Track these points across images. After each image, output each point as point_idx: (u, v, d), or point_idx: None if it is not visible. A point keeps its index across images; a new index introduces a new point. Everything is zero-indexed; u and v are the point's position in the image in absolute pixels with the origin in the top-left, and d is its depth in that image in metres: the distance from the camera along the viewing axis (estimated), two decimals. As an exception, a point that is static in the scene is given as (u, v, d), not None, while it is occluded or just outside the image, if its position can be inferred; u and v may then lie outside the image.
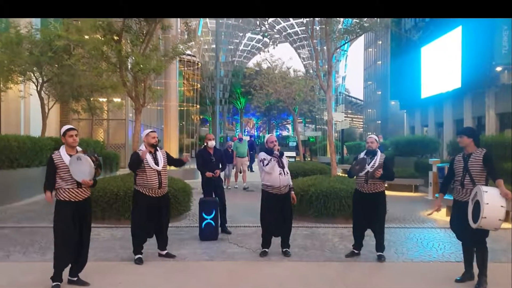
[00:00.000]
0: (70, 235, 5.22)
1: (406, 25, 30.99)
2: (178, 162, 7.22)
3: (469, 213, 5.25)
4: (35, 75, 15.22)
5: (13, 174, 12.14)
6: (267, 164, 6.67)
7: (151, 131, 6.65)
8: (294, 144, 49.52)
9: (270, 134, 7.46)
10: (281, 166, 6.75)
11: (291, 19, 57.07)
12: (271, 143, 6.84)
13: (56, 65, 14.92)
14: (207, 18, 46.09)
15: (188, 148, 31.75)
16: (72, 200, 5.25)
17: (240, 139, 17.46)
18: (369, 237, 7.02)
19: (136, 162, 6.34)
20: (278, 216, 6.79)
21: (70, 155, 5.26)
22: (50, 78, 15.39)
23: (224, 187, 14.77)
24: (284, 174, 6.74)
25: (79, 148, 5.42)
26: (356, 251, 6.88)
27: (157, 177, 6.39)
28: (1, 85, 15.58)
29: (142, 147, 6.52)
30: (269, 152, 6.80)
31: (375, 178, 6.52)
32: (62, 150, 5.32)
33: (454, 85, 26.74)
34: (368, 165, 6.61)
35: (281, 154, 6.86)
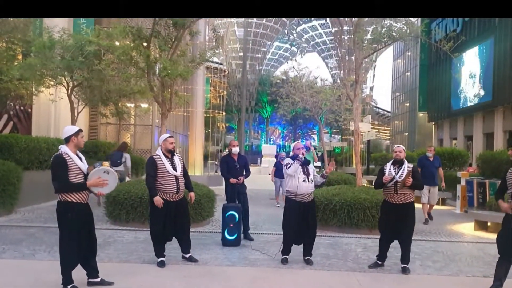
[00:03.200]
0: (82, 237, 5.16)
1: (436, 35, 30.63)
2: (188, 183, 6.73)
3: None
4: (66, 79, 15.53)
5: (42, 175, 12.37)
6: (290, 167, 6.68)
7: (169, 136, 6.60)
8: (320, 154, 49.21)
9: (297, 141, 7.45)
10: (306, 173, 6.73)
11: (319, 28, 57.13)
12: (298, 150, 6.86)
13: (87, 70, 15.21)
14: (226, 24, 46.40)
15: (213, 155, 31.91)
16: (83, 202, 5.14)
17: (308, 148, 14.01)
18: (393, 248, 6.90)
19: (152, 188, 6.35)
20: (301, 224, 6.74)
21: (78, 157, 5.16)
22: (80, 82, 15.68)
23: (278, 205, 14.21)
24: (308, 181, 6.72)
25: (79, 153, 5.26)
26: (379, 262, 6.76)
27: (175, 182, 6.37)
28: (33, 88, 15.97)
29: (159, 152, 6.50)
30: (294, 158, 6.80)
31: (405, 187, 6.40)
32: (68, 150, 5.06)
33: (485, 98, 26.22)
34: (396, 174, 6.51)
35: (307, 162, 6.83)
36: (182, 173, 6.51)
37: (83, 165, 5.14)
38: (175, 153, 6.57)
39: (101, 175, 5.15)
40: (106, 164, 5.30)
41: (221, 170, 8.82)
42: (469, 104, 29.06)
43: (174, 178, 6.37)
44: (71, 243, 5.10)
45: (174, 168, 6.40)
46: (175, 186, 6.37)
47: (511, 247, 5.35)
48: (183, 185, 6.53)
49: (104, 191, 5.27)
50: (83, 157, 5.26)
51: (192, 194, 6.80)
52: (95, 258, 5.43)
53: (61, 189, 5.03)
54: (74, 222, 5.08)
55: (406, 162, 6.64)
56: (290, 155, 7.17)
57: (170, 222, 6.41)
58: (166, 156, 6.43)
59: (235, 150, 8.66)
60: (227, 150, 8.79)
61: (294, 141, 70.11)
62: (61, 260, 5.13)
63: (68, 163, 4.99)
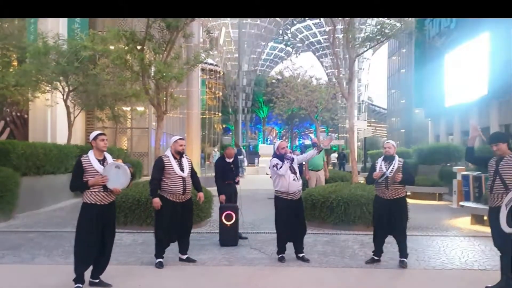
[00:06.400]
0: (92, 238, 5.30)
1: (430, 32, 30.68)
2: (196, 183, 6.90)
3: (501, 218, 5.10)
4: (62, 84, 15.60)
5: (39, 181, 12.41)
6: (281, 167, 6.78)
7: (180, 138, 6.73)
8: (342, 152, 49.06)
9: (280, 141, 7.54)
10: (293, 171, 6.86)
11: (313, 27, 57.23)
12: (282, 149, 6.97)
13: (82, 75, 15.29)
14: (221, 24, 46.36)
15: (210, 157, 32.01)
16: (98, 203, 5.32)
17: (315, 146, 13.64)
18: (390, 244, 6.96)
19: (154, 190, 6.47)
20: (294, 221, 6.86)
21: (98, 160, 5.37)
22: (75, 87, 15.76)
23: None
24: (297, 179, 6.87)
25: (107, 155, 5.50)
26: (376, 258, 6.83)
27: (181, 183, 6.47)
28: (29, 94, 16.02)
29: (168, 153, 6.61)
30: (280, 157, 6.90)
31: (395, 183, 6.48)
32: (91, 154, 5.39)
33: (481, 93, 26.27)
34: (387, 170, 6.60)
35: (292, 160, 6.93)
36: (189, 174, 6.61)
37: (101, 168, 5.33)
38: (184, 154, 6.69)
39: (112, 170, 5.33)
40: (120, 161, 5.49)
41: (216, 175, 8.85)
42: (464, 99, 29.12)
43: (181, 179, 6.47)
44: (80, 243, 5.35)
45: (182, 169, 6.51)
46: (182, 187, 6.46)
47: (497, 236, 5.40)
48: (190, 187, 6.63)
49: (118, 186, 5.37)
50: (109, 159, 5.49)
51: (201, 194, 6.95)
52: (105, 260, 5.56)
53: (70, 188, 5.45)
54: (84, 222, 5.34)
55: (397, 158, 6.73)
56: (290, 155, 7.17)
57: (175, 223, 6.50)
58: (174, 157, 6.54)
59: (229, 161, 8.76)
60: (217, 150, 8.92)
61: (290, 141, 70.17)
62: (74, 257, 5.38)
63: (84, 165, 5.30)
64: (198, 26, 18.31)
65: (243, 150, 13.66)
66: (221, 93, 36.32)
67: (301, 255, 6.92)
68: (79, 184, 5.32)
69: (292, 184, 6.81)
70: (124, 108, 21.52)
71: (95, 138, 5.42)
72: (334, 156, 36.27)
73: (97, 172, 5.30)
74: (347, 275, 6.26)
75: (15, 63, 16.76)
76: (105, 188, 5.33)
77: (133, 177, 5.48)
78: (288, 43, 63.62)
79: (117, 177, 5.32)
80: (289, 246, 7.01)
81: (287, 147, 7.10)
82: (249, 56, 52.71)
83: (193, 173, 6.77)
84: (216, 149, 28.07)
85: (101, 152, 5.44)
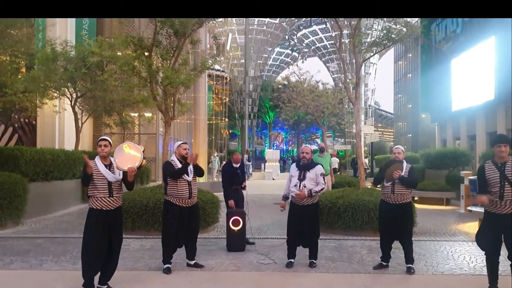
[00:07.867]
0: (99, 243, 5.32)
1: (436, 36, 30.56)
2: (197, 171, 6.80)
3: None
4: (69, 90, 15.71)
5: (47, 186, 12.48)
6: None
7: (183, 143, 6.79)
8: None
9: (305, 145, 7.58)
10: (301, 178, 6.81)
11: (319, 32, 57.29)
12: (301, 154, 7.01)
13: (90, 81, 15.38)
14: (229, 30, 46.53)
15: (209, 162, 32.11)
16: (104, 209, 5.35)
17: (322, 151, 12.79)
18: (398, 249, 6.94)
19: (184, 168, 6.41)
20: (299, 226, 6.85)
21: (105, 165, 5.41)
22: (83, 93, 15.86)
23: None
24: (299, 187, 6.78)
25: (113, 160, 5.53)
26: (384, 263, 6.81)
27: (187, 187, 6.50)
28: (37, 100, 16.13)
29: (174, 158, 6.64)
30: (298, 162, 6.94)
31: (394, 180, 6.47)
32: (98, 159, 5.44)
33: (487, 97, 26.16)
34: None
35: (307, 167, 6.88)
36: (194, 178, 6.65)
37: (107, 172, 5.39)
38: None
39: (121, 150, 5.48)
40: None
41: (223, 181, 8.87)
42: (471, 103, 29.03)
43: (187, 183, 6.50)
44: (87, 248, 5.36)
45: (187, 174, 6.53)
46: (188, 191, 6.50)
47: (491, 243, 5.50)
48: (196, 191, 6.67)
49: (132, 164, 5.41)
50: (114, 164, 5.50)
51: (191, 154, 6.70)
52: (112, 265, 5.57)
53: (81, 183, 5.53)
54: (91, 228, 5.35)
55: (404, 163, 6.72)
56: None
57: (182, 227, 6.52)
58: (180, 162, 6.56)
59: (235, 165, 8.78)
60: (216, 155, 8.94)
61: (297, 146, 70.13)
62: (82, 262, 5.41)
63: (93, 168, 5.35)
64: (205, 32, 18.44)
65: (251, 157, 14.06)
66: (227, 99, 36.47)
67: (310, 260, 6.93)
68: (82, 177, 5.37)
69: (292, 190, 6.88)
70: (132, 114, 21.61)
71: (97, 144, 5.52)
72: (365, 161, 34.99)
73: (104, 176, 5.35)
74: (355, 281, 6.24)
75: (24, 70, 16.90)
76: (110, 193, 5.37)
77: (141, 166, 5.54)
78: (294, 48, 63.75)
79: (129, 156, 5.43)
80: (299, 252, 7.01)
81: (307, 153, 6.90)
82: (255, 62, 52.84)
83: (196, 168, 6.69)
84: (215, 154, 28.04)
85: (104, 158, 5.47)
